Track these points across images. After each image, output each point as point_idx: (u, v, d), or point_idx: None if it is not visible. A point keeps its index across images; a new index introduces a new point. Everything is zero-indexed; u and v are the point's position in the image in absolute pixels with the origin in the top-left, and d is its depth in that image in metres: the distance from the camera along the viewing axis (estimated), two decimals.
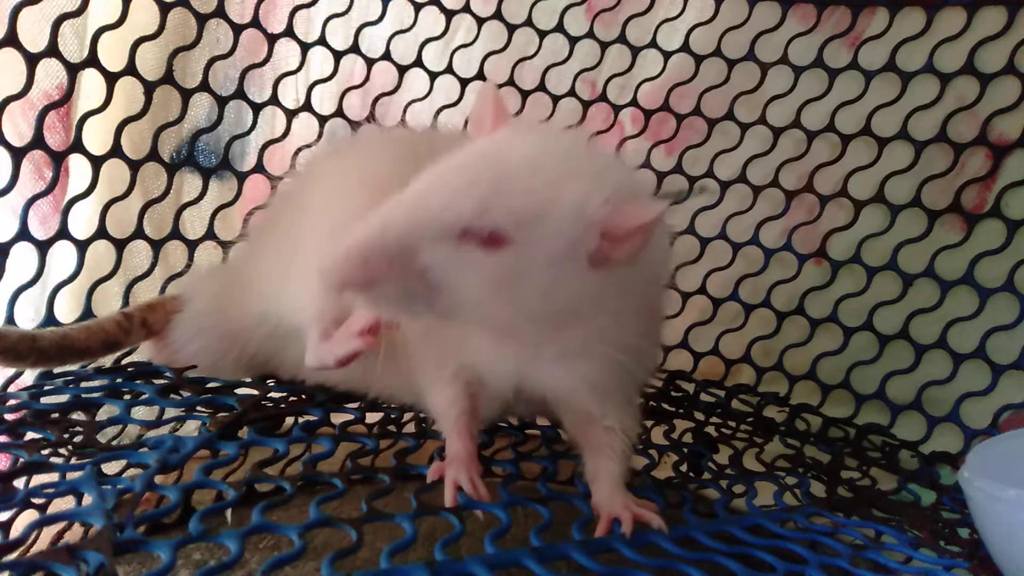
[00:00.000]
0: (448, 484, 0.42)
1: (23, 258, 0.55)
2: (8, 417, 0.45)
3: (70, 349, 0.52)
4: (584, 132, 0.75)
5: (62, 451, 0.43)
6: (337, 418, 0.51)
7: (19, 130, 0.55)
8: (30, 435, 0.43)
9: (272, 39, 0.68)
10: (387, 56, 0.73)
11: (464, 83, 0.75)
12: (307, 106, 0.71)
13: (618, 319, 0.42)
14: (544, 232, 0.36)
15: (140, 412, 0.55)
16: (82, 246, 0.59)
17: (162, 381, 0.52)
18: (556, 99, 0.77)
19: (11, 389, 0.54)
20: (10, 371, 0.54)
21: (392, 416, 0.54)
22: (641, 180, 0.49)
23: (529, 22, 0.75)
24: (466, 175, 0.37)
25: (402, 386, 0.51)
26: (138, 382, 0.52)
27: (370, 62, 0.72)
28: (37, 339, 0.50)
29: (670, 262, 0.63)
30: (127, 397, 0.50)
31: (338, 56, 0.71)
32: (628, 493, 0.43)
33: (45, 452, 0.42)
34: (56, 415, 0.46)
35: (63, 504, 0.52)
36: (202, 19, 0.64)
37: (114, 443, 0.55)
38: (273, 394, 0.54)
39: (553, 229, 0.36)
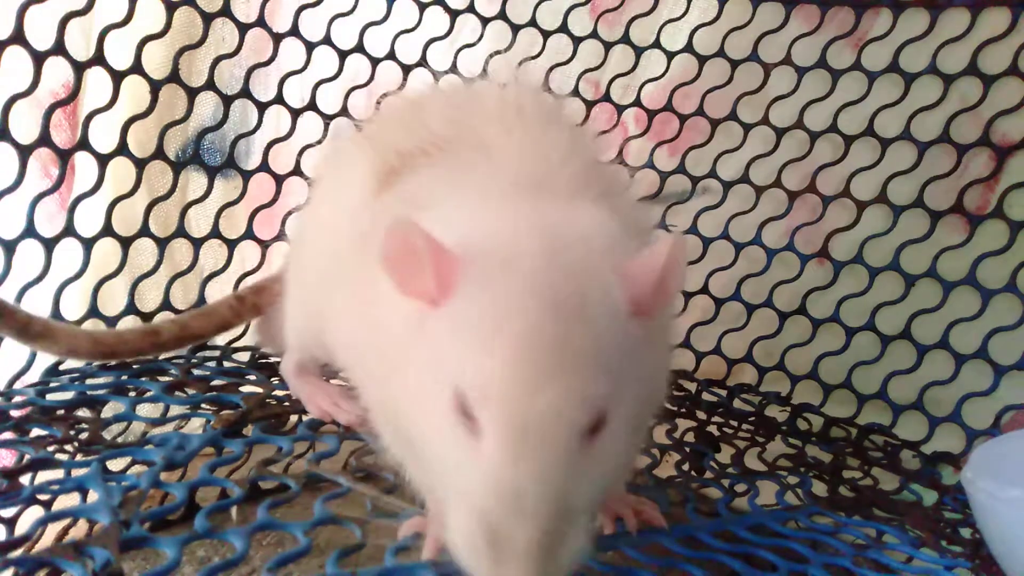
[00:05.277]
0: (429, 541, 0.35)
1: (30, 255, 0.55)
2: (14, 414, 0.45)
3: (189, 338, 0.57)
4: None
5: (68, 448, 0.43)
6: None
7: (26, 128, 0.56)
8: (36, 431, 0.44)
9: (277, 38, 0.68)
10: (392, 56, 0.73)
11: (469, 83, 0.75)
12: (312, 105, 0.71)
13: None
14: None
15: (145, 409, 0.55)
16: (88, 244, 0.59)
17: (167, 379, 0.53)
18: (560, 99, 0.77)
19: (17, 385, 0.55)
20: (16, 367, 0.55)
21: None
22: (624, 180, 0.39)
23: (533, 22, 0.75)
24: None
25: None
26: (143, 379, 0.52)
27: (375, 62, 0.73)
28: (159, 333, 0.55)
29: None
30: (132, 394, 0.50)
31: (343, 55, 0.71)
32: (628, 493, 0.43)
33: (51, 449, 0.42)
34: (62, 412, 0.46)
35: (68, 501, 0.52)
36: (208, 18, 0.64)
37: (119, 440, 0.55)
38: (277, 392, 0.54)
39: None
